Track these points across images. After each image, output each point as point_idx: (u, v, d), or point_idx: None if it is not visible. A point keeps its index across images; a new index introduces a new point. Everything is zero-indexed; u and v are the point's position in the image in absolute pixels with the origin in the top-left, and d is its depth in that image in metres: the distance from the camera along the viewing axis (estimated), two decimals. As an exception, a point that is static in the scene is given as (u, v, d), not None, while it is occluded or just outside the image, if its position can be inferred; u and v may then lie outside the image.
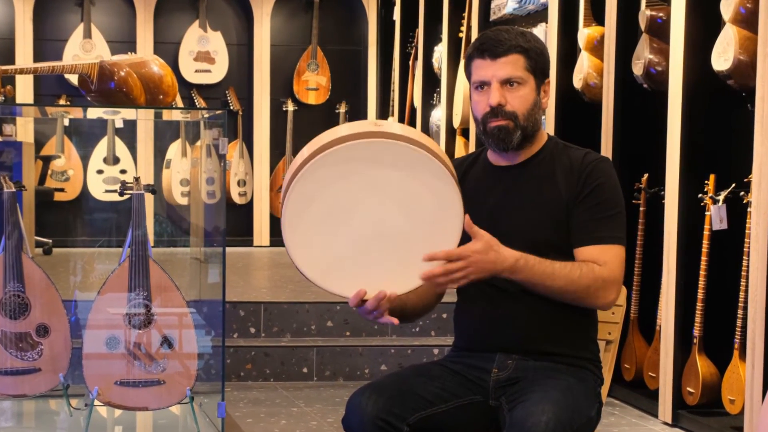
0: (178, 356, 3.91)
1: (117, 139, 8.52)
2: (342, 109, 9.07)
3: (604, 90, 4.80)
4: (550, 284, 2.33)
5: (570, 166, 2.47)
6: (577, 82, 4.99)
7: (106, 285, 3.87)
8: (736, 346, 4.00)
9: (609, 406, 4.66)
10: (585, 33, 4.93)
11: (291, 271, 6.79)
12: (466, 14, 6.36)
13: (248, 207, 8.95)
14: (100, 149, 8.50)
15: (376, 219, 2.22)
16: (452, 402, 2.42)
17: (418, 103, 7.31)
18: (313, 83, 9.10)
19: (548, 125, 5.16)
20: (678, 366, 4.30)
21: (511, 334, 2.45)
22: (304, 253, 2.24)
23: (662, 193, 4.45)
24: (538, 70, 2.46)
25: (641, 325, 4.71)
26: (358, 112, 9.11)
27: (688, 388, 4.25)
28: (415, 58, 7.54)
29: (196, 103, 8.76)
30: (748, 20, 3.90)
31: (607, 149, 4.75)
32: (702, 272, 4.17)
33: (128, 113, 4.75)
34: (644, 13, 4.49)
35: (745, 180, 4.00)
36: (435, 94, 7.12)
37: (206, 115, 4.63)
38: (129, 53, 4.02)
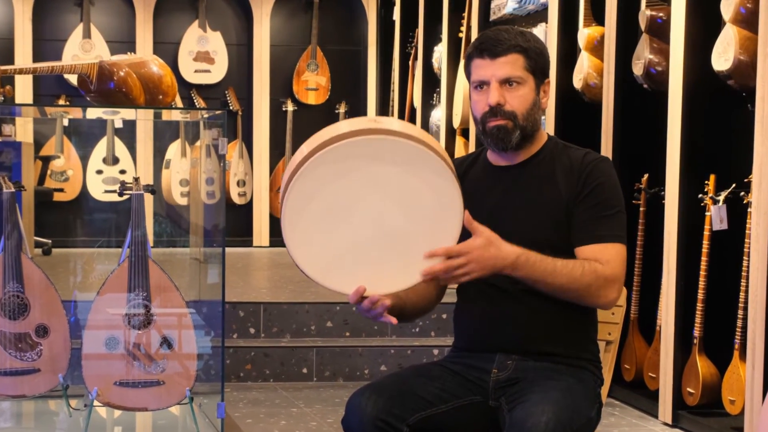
0: (177, 357, 3.91)
1: (116, 140, 8.51)
2: (342, 109, 9.06)
3: (604, 90, 4.80)
4: (551, 281, 2.32)
5: (570, 166, 2.47)
6: (577, 82, 4.99)
7: (106, 285, 3.87)
8: (736, 346, 4.00)
9: (609, 406, 4.66)
10: (585, 33, 4.93)
11: (291, 272, 6.80)
12: (465, 14, 6.35)
13: (248, 207, 8.95)
14: (100, 149, 8.49)
15: (375, 216, 2.22)
16: (452, 402, 2.42)
17: (417, 103, 7.30)
18: (313, 83, 9.09)
19: (548, 125, 5.15)
20: (678, 366, 4.30)
21: (511, 335, 2.45)
22: (304, 251, 2.23)
23: (662, 193, 4.45)
24: (538, 70, 2.46)
25: (641, 326, 4.71)
26: (357, 113, 9.10)
27: (689, 389, 4.25)
28: (415, 58, 7.53)
29: (196, 104, 8.76)
30: (748, 20, 3.89)
31: (607, 149, 4.75)
32: (702, 272, 4.16)
33: (128, 113, 4.75)
34: (644, 13, 4.49)
35: (746, 180, 4.00)
36: (435, 94, 7.11)
37: (206, 116, 4.62)
38: (128, 53, 4.02)
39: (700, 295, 4.18)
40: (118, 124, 8.36)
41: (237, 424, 4.34)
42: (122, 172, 8.45)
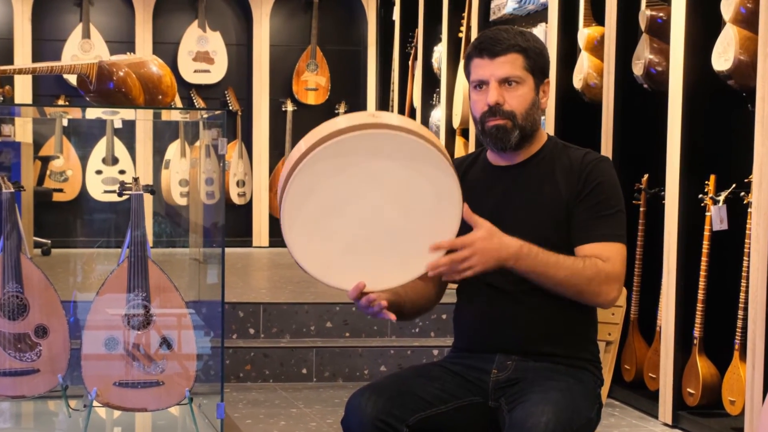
0: (177, 357, 3.90)
1: (116, 140, 8.51)
2: (341, 109, 9.06)
3: (604, 90, 4.79)
4: (553, 273, 2.32)
5: (570, 165, 2.46)
6: (577, 83, 4.98)
7: (105, 286, 3.86)
8: (736, 346, 3.99)
9: (609, 407, 4.66)
10: (585, 33, 4.93)
11: (290, 272, 6.79)
12: (465, 14, 6.35)
13: (247, 207, 8.95)
14: (99, 149, 8.49)
15: (374, 210, 2.22)
16: (452, 403, 2.42)
17: (417, 103, 7.30)
18: (313, 83, 9.09)
19: (548, 125, 5.15)
20: (678, 367, 4.29)
21: (511, 335, 2.45)
22: (303, 247, 2.23)
23: (662, 193, 4.44)
24: (537, 70, 2.46)
25: (641, 326, 4.70)
26: (357, 113, 9.09)
27: (689, 389, 4.25)
28: (415, 58, 7.53)
29: (195, 104, 8.76)
30: (748, 20, 3.89)
31: (607, 149, 4.75)
32: (702, 273, 4.16)
33: (127, 113, 4.74)
34: (644, 13, 4.49)
35: (746, 180, 4.00)
36: (434, 95, 7.11)
37: (205, 116, 4.62)
38: (128, 53, 4.01)
39: (700, 296, 4.18)
40: (118, 125, 8.36)
41: (236, 425, 4.34)
42: (122, 172, 8.44)
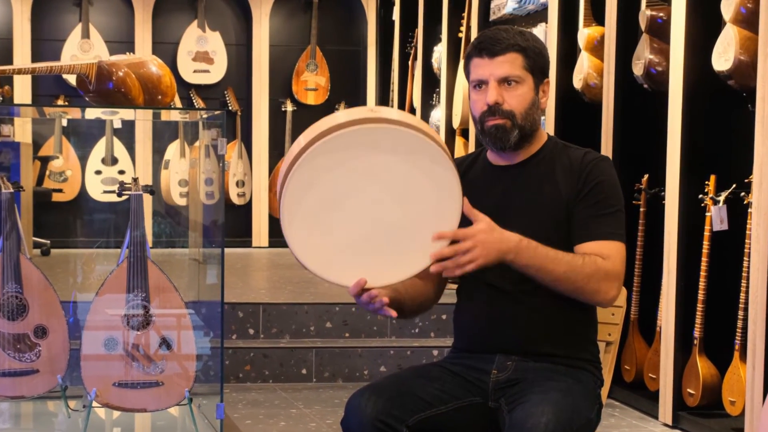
0: (176, 357, 3.90)
1: (115, 140, 8.51)
2: (341, 109, 9.06)
3: (605, 90, 4.79)
4: (552, 268, 2.32)
5: (570, 165, 2.46)
6: (577, 83, 4.98)
7: (105, 286, 3.86)
8: (736, 347, 3.99)
9: (609, 407, 4.65)
10: (585, 33, 4.92)
11: (290, 272, 6.79)
12: (465, 14, 6.35)
13: (247, 208, 8.94)
14: (99, 150, 8.49)
15: (374, 205, 2.21)
16: (451, 403, 2.41)
17: (417, 103, 7.30)
18: (312, 83, 9.09)
19: (548, 125, 5.15)
20: (678, 367, 4.29)
21: (511, 336, 2.44)
22: (303, 243, 2.22)
23: (662, 193, 4.44)
24: (537, 70, 2.46)
25: (641, 326, 4.70)
26: (357, 113, 9.09)
27: (689, 390, 4.24)
28: (415, 58, 7.52)
29: (195, 104, 8.76)
30: (748, 20, 3.89)
31: (607, 150, 4.74)
32: (702, 273, 4.16)
33: (126, 113, 4.74)
34: (644, 13, 4.48)
35: (746, 180, 3.99)
36: (434, 95, 7.10)
37: (205, 116, 4.61)
38: (127, 53, 4.01)
39: (701, 296, 4.17)
40: (117, 125, 8.35)
41: (236, 425, 4.33)
42: (121, 172, 8.44)
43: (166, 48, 8.69)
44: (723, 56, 3.98)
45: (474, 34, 6.05)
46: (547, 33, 5.30)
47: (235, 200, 8.88)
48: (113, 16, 8.77)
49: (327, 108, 9.06)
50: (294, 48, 9.10)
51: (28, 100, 8.35)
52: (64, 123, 8.34)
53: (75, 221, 8.47)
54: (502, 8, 5.91)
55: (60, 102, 8.41)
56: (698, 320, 4.19)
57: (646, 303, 4.67)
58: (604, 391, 2.52)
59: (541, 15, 5.64)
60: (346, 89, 9.17)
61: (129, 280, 3.81)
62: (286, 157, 2.25)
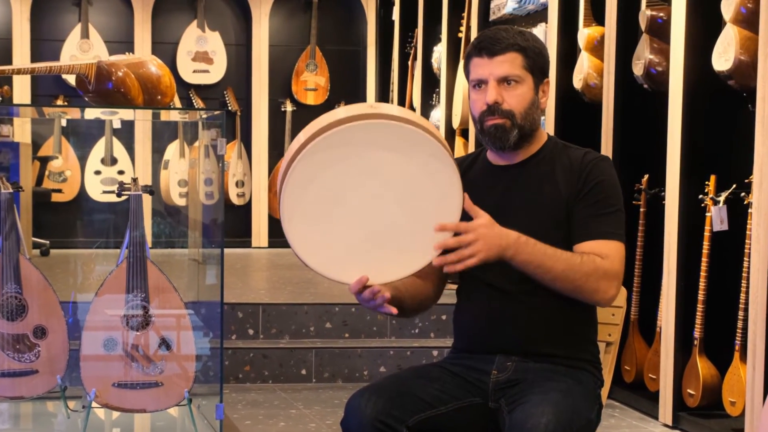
0: (176, 358, 3.89)
1: (115, 140, 8.50)
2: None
3: (605, 90, 4.79)
4: (551, 265, 2.31)
5: (570, 165, 2.46)
6: (577, 83, 4.98)
7: (104, 286, 3.85)
8: (736, 347, 3.99)
9: (609, 408, 4.65)
10: (585, 33, 4.92)
11: (290, 273, 6.79)
12: (465, 14, 6.34)
13: (246, 208, 8.94)
14: (98, 150, 8.49)
15: (375, 202, 2.21)
16: (451, 404, 2.41)
17: (417, 103, 7.29)
18: (312, 83, 9.08)
19: (548, 125, 5.14)
20: (678, 368, 4.29)
21: (511, 336, 2.44)
22: (304, 241, 2.21)
23: (663, 193, 4.43)
24: (537, 69, 2.46)
25: (641, 327, 4.70)
26: (356, 113, 9.08)
27: (689, 390, 4.24)
28: (414, 58, 7.52)
29: (194, 104, 8.75)
30: (749, 20, 3.88)
31: (607, 150, 4.74)
32: (702, 273, 4.15)
33: (126, 114, 4.74)
34: (644, 13, 4.48)
35: (746, 181, 3.99)
36: (434, 95, 7.10)
37: (204, 116, 4.61)
38: (127, 53, 4.00)
39: (701, 296, 4.17)
40: (117, 125, 8.35)
41: (236, 426, 4.33)
42: (120, 172, 8.44)
43: (165, 48, 8.68)
44: (723, 56, 3.97)
45: (474, 34, 6.05)
46: (547, 33, 5.29)
47: (235, 200, 8.87)
48: (112, 16, 8.77)
49: (327, 108, 8.99)
50: (294, 48, 9.09)
51: (28, 101, 8.34)
52: (64, 123, 8.33)
53: (74, 221, 8.46)
54: (502, 8, 5.91)
55: (59, 102, 8.40)
56: (698, 320, 4.18)
57: (646, 303, 4.67)
58: (604, 392, 2.52)
59: (541, 15, 5.64)
60: (346, 89, 9.17)
61: (128, 281, 3.81)
62: (286, 154, 2.24)
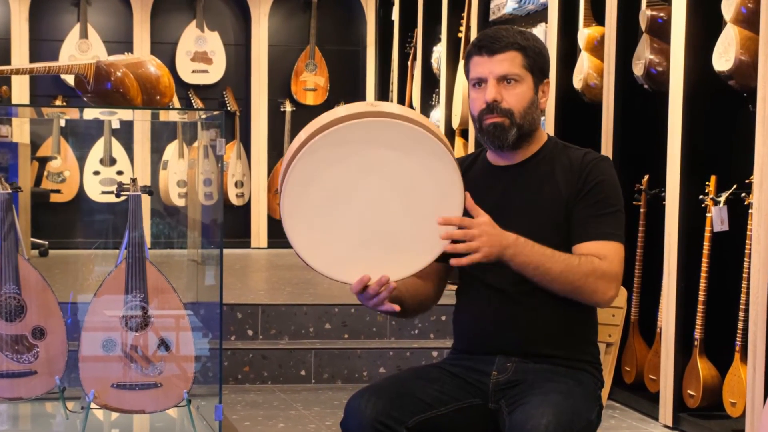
0: (175, 359, 3.88)
1: (114, 140, 8.50)
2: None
3: (605, 90, 4.78)
4: (550, 266, 2.31)
5: (570, 165, 2.46)
6: (577, 83, 4.97)
7: (103, 287, 3.85)
8: (737, 348, 3.98)
9: (609, 408, 4.64)
10: (585, 33, 4.91)
11: (289, 273, 6.78)
12: (465, 14, 6.34)
13: (246, 208, 8.93)
14: (97, 150, 8.48)
15: (375, 200, 2.20)
16: (451, 405, 2.41)
17: (417, 103, 7.29)
18: (311, 84, 9.08)
19: (548, 126, 5.14)
20: (679, 368, 4.28)
21: (511, 337, 2.44)
22: (305, 239, 2.21)
23: (663, 194, 4.43)
24: (536, 69, 2.45)
25: (642, 328, 4.69)
26: (356, 113, 9.08)
27: (689, 391, 4.23)
28: (414, 58, 7.52)
29: (194, 104, 8.74)
30: (749, 20, 3.88)
31: (607, 150, 4.73)
32: (703, 274, 4.15)
33: (125, 114, 4.73)
34: (645, 13, 4.47)
35: (747, 181, 3.98)
36: (434, 95, 7.10)
37: (203, 116, 4.60)
38: (126, 53, 3.99)
39: (701, 297, 4.16)
40: (116, 125, 8.34)
41: (235, 427, 4.32)
42: (119, 173, 8.43)
43: (164, 48, 8.68)
44: (724, 56, 3.97)
45: (474, 35, 6.04)
46: (547, 33, 5.29)
47: (234, 201, 8.86)
48: (111, 16, 8.76)
49: (326, 108, 8.91)
50: (293, 48, 9.09)
51: (26, 101, 8.33)
52: (63, 123, 8.33)
53: (73, 222, 8.46)
54: (501, 8, 5.90)
55: (58, 102, 8.40)
56: (699, 321, 4.17)
57: (647, 304, 4.66)
58: (605, 393, 2.51)
59: (541, 15, 5.64)
60: (346, 89, 9.16)
61: (127, 281, 3.80)
62: (286, 153, 2.24)
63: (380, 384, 2.42)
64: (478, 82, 2.45)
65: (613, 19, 4.72)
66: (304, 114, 8.96)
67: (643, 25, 4.49)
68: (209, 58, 8.81)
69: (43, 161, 8.18)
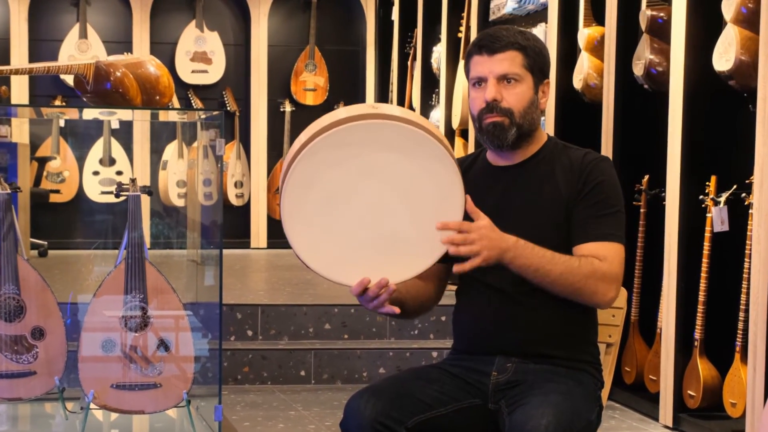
0: (174, 359, 3.88)
1: (113, 140, 8.49)
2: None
3: (605, 91, 4.78)
4: (550, 269, 2.31)
5: (570, 165, 2.46)
6: (577, 83, 4.97)
7: (102, 287, 3.84)
8: (737, 348, 3.98)
9: (609, 409, 4.64)
10: (585, 33, 4.91)
11: (289, 274, 6.78)
12: (465, 14, 6.34)
13: (245, 208, 8.93)
14: (96, 150, 8.47)
15: (376, 202, 2.20)
16: (451, 405, 2.41)
17: (416, 103, 7.29)
18: (311, 84, 9.07)
19: (548, 126, 5.14)
20: (679, 369, 4.28)
21: (511, 337, 2.43)
22: (305, 241, 2.20)
23: (663, 194, 4.42)
24: (536, 69, 2.45)
25: (642, 328, 4.69)
26: (355, 113, 9.08)
27: (689, 392, 4.23)
28: (414, 58, 7.51)
29: (193, 104, 8.74)
30: (749, 20, 3.87)
31: (607, 150, 4.73)
32: (703, 274, 4.14)
33: (124, 114, 4.73)
34: (645, 13, 4.47)
35: (747, 181, 3.98)
36: (434, 95, 7.09)
37: (203, 116, 4.60)
38: (125, 53, 3.99)
39: (701, 297, 4.16)
40: (115, 125, 8.34)
41: (234, 427, 4.32)
42: (119, 173, 8.42)
43: (164, 48, 8.67)
44: (724, 56, 3.96)
45: (473, 35, 6.04)
46: (547, 33, 5.29)
47: (234, 201, 8.86)
48: (111, 16, 8.76)
49: (326, 108, 9.04)
50: (293, 48, 9.08)
51: (26, 101, 8.33)
52: (62, 123, 8.33)
53: (73, 222, 8.45)
54: (501, 8, 5.90)
55: (57, 102, 8.39)
56: (699, 322, 4.17)
57: (647, 304, 4.66)
58: (605, 393, 2.51)
59: (541, 15, 5.63)
60: (345, 89, 9.16)
61: (127, 282, 3.80)
62: (287, 155, 2.23)
63: (380, 384, 2.42)
64: (478, 82, 2.44)
65: (613, 19, 4.71)
66: (304, 114, 8.96)
67: (643, 25, 4.49)
68: (209, 58, 8.80)
69: (43, 161, 8.17)
